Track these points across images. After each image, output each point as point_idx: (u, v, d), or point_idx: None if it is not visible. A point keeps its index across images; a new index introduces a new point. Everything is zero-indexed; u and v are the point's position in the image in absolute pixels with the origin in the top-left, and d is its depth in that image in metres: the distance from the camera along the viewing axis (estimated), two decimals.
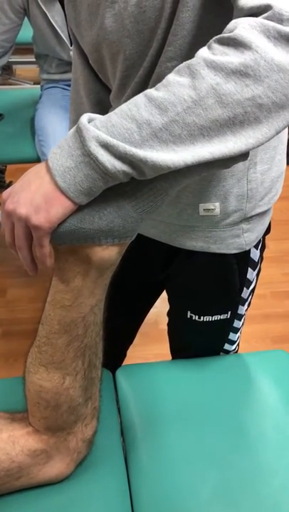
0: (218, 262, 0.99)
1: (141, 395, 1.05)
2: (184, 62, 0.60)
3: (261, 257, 1.04)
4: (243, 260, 1.00)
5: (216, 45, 0.59)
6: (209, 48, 0.60)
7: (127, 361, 1.40)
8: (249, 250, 0.98)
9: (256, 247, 1.00)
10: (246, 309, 1.11)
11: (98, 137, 0.59)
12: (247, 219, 0.93)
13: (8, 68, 3.78)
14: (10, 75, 3.87)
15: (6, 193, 0.66)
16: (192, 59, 0.60)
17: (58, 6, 1.85)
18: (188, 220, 0.93)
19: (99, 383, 0.83)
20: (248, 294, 1.07)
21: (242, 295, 1.05)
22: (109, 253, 0.68)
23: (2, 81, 3.54)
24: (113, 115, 0.60)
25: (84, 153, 0.60)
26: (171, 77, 0.60)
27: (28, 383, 0.79)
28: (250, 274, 1.03)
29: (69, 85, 1.05)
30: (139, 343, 1.41)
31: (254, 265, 1.02)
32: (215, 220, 0.92)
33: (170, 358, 1.27)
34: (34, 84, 3.71)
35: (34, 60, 2.17)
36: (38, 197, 0.62)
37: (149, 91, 0.60)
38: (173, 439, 0.95)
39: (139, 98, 0.60)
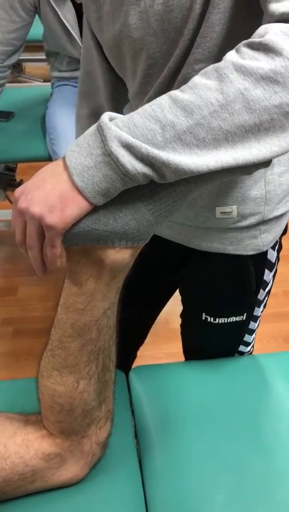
0: (235, 264, 0.97)
1: (155, 396, 1.04)
2: (212, 65, 0.59)
3: (278, 258, 1.02)
4: (260, 261, 0.99)
5: (245, 50, 0.58)
6: (238, 51, 0.58)
7: (137, 360, 1.39)
8: (266, 251, 0.97)
9: (273, 248, 0.99)
10: (262, 311, 1.09)
11: (120, 137, 0.57)
12: (265, 221, 0.92)
13: (17, 66, 3.79)
14: (19, 72, 3.88)
15: (18, 190, 0.64)
16: (220, 62, 0.58)
17: (69, 4, 1.84)
18: (204, 222, 0.92)
19: (113, 386, 0.82)
20: (264, 295, 1.05)
21: (258, 296, 1.04)
22: (122, 256, 0.67)
23: (12, 79, 3.54)
24: (136, 115, 0.59)
25: (104, 152, 0.58)
26: (197, 79, 0.58)
27: (42, 387, 0.78)
28: (267, 275, 1.02)
29: None
30: (149, 342, 1.40)
31: (271, 266, 1.01)
32: (232, 222, 0.90)
33: (181, 357, 1.26)
34: (44, 81, 3.72)
35: (43, 57, 2.16)
36: (53, 196, 0.61)
37: (174, 92, 0.59)
38: (187, 441, 0.94)
39: (164, 99, 0.59)
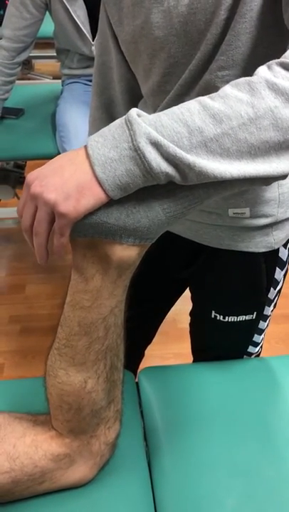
0: (246, 261, 0.97)
1: (164, 398, 1.03)
2: (244, 78, 0.59)
3: None
4: (271, 259, 0.98)
5: (278, 69, 0.58)
6: (270, 69, 0.59)
7: (145, 360, 1.38)
8: (278, 249, 0.96)
9: (285, 246, 0.98)
10: (272, 310, 1.08)
11: (149, 134, 0.57)
12: (278, 222, 0.91)
13: (27, 63, 3.80)
14: (29, 69, 3.89)
15: (32, 175, 0.63)
16: (252, 77, 0.59)
17: (81, 1, 1.84)
18: (216, 220, 0.91)
19: (121, 385, 0.82)
20: (274, 294, 1.04)
21: (268, 295, 1.03)
22: (128, 253, 0.66)
23: (21, 76, 3.54)
24: (163, 116, 0.59)
25: (131, 147, 0.58)
26: (228, 90, 0.59)
27: (49, 386, 0.78)
28: (278, 273, 1.01)
29: (91, 80, 1.04)
30: (158, 342, 1.39)
31: (282, 265, 1.00)
32: (244, 221, 0.90)
33: (189, 357, 1.25)
34: (53, 78, 3.72)
35: (53, 54, 2.16)
36: (70, 184, 0.60)
37: (204, 99, 0.59)
38: (197, 443, 0.93)
39: (192, 104, 0.59)
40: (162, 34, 0.74)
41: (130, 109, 0.98)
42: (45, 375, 0.78)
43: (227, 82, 0.72)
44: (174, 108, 0.59)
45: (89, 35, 1.89)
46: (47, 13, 1.90)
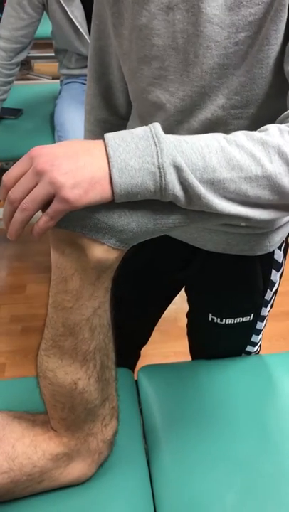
0: (241, 264, 0.97)
1: (163, 395, 1.04)
2: (259, 135, 0.63)
3: (285, 258, 1.02)
4: (267, 262, 0.98)
5: None
6: (282, 135, 0.63)
7: (146, 359, 1.39)
8: (273, 251, 0.97)
9: (280, 248, 0.98)
10: (269, 310, 1.09)
11: (175, 157, 0.59)
12: (273, 230, 0.93)
13: (26, 63, 3.79)
14: (28, 70, 3.89)
15: (39, 150, 0.60)
16: (266, 136, 0.62)
17: (78, 1, 1.84)
18: (211, 225, 0.91)
19: (114, 383, 0.82)
20: (271, 295, 1.05)
21: (265, 297, 1.04)
22: (107, 256, 0.66)
23: (21, 76, 3.54)
24: (184, 143, 0.60)
25: (154, 162, 0.58)
26: (244, 140, 0.62)
27: (42, 387, 0.78)
28: (274, 275, 1.01)
29: None
30: (158, 341, 1.39)
31: (278, 266, 1.01)
32: (240, 230, 0.91)
33: (190, 355, 1.25)
34: (53, 79, 3.72)
35: (52, 54, 2.15)
36: (83, 174, 0.58)
37: (223, 140, 0.62)
38: (196, 441, 0.94)
39: (211, 141, 0.61)
40: (162, 43, 0.74)
41: (128, 98, 0.98)
42: (37, 376, 0.79)
43: (239, 118, 0.77)
44: (194, 138, 0.61)
45: (86, 36, 1.89)
46: (45, 13, 1.90)
